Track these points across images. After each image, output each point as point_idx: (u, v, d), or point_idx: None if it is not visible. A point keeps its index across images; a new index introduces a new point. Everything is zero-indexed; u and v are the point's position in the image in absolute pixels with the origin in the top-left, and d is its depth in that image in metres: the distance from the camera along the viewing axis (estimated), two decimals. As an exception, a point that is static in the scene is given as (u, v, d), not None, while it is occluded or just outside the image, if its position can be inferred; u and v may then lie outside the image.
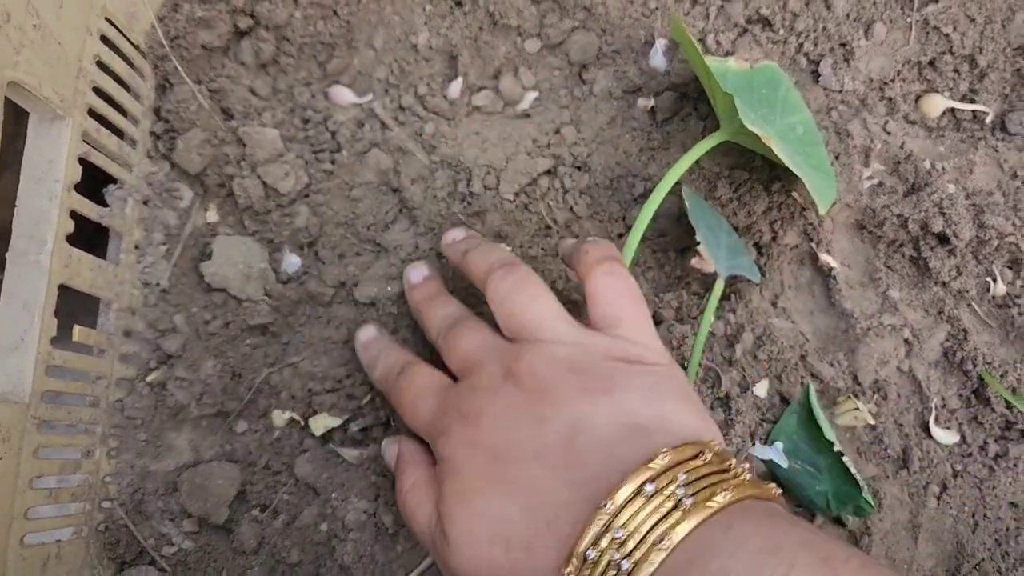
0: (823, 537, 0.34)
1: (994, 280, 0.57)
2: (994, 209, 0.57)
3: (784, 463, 0.54)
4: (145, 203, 0.57)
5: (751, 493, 0.36)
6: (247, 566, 0.56)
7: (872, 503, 0.52)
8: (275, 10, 0.57)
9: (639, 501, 0.35)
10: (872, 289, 0.59)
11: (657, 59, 0.60)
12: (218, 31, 0.57)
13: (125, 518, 0.55)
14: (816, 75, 0.59)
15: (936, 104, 0.59)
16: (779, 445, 0.54)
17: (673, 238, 0.59)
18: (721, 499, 0.35)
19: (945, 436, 0.57)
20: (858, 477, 0.52)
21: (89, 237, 0.54)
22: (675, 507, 0.35)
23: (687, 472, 0.36)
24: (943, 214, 0.56)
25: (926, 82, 0.59)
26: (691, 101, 0.60)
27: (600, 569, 0.35)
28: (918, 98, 0.60)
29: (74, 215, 0.49)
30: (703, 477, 0.36)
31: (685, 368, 0.54)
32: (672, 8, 0.59)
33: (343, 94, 0.60)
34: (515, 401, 0.41)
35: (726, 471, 0.37)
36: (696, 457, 0.37)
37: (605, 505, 0.36)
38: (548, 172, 0.59)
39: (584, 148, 0.59)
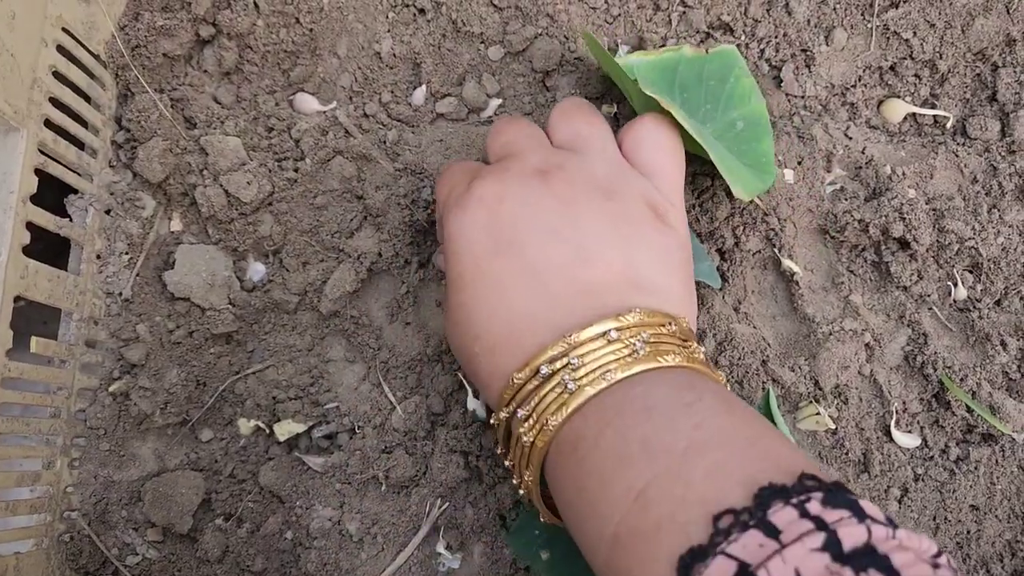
0: (733, 394, 0.40)
1: (955, 284, 0.58)
2: (954, 214, 0.57)
3: (745, 468, 0.54)
4: (107, 212, 0.57)
5: (698, 368, 0.41)
6: (212, 575, 0.56)
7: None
8: (237, 18, 0.57)
9: (601, 342, 0.40)
10: (834, 293, 0.59)
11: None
12: (180, 39, 0.57)
13: (87, 528, 0.55)
14: (778, 80, 0.59)
15: (897, 109, 0.59)
16: (740, 450, 0.55)
17: (636, 244, 0.59)
18: (670, 359, 0.40)
19: (906, 440, 0.57)
20: (816, 482, 0.52)
21: (53, 246, 0.54)
22: (630, 354, 0.39)
23: (651, 332, 0.40)
24: (904, 219, 0.56)
25: (887, 87, 0.60)
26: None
27: (551, 384, 0.40)
28: (879, 103, 0.60)
29: (31, 226, 0.49)
30: (663, 341, 0.40)
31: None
32: (634, 14, 0.59)
33: (307, 102, 0.60)
34: (539, 196, 0.43)
35: (685, 345, 0.42)
36: (664, 325, 0.41)
37: (570, 336, 0.40)
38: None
39: (547, 155, 0.60)
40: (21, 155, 0.47)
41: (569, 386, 0.39)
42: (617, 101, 0.60)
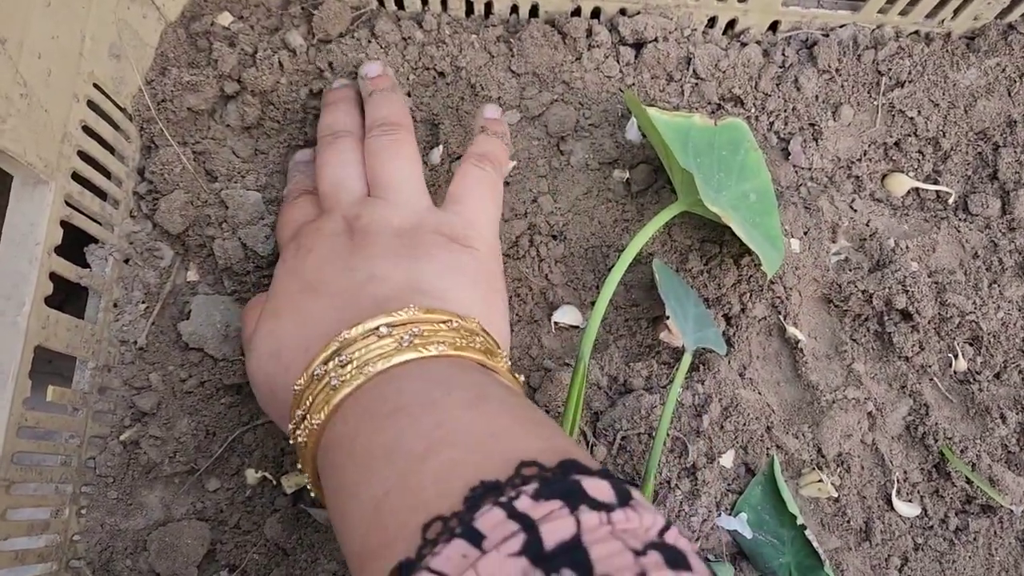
0: (497, 386, 0.39)
1: (955, 356, 0.59)
2: (955, 287, 0.59)
3: (748, 534, 0.55)
4: (126, 262, 0.57)
5: (468, 356, 0.41)
6: (213, 627, 0.56)
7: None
8: (261, 76, 0.59)
9: (372, 338, 0.40)
10: (837, 361, 0.60)
11: (632, 132, 0.62)
12: (204, 95, 0.58)
13: (92, 577, 0.55)
14: (786, 152, 0.61)
15: (901, 183, 0.61)
16: (743, 516, 0.55)
17: (645, 308, 0.60)
18: (433, 350, 0.39)
19: (907, 509, 0.58)
20: (820, 551, 0.53)
21: (68, 290, 0.55)
22: (396, 348, 0.39)
23: (427, 327, 0.41)
24: (906, 291, 0.58)
25: (892, 162, 0.62)
26: (665, 174, 0.61)
27: (320, 385, 0.40)
28: (884, 177, 0.62)
29: (53, 276, 0.49)
30: (437, 335, 0.40)
31: (653, 439, 0.55)
32: (647, 84, 0.61)
33: (325, 158, 0.61)
34: (341, 247, 0.48)
35: (468, 341, 0.41)
36: (444, 322, 0.42)
37: (340, 335, 0.41)
38: (525, 238, 0.61)
39: (560, 218, 0.61)
40: (48, 207, 0.48)
41: (333, 383, 0.39)
42: (629, 167, 0.62)
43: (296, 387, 0.42)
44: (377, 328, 0.40)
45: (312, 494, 0.44)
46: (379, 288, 0.45)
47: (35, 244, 0.48)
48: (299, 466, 0.45)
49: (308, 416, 0.40)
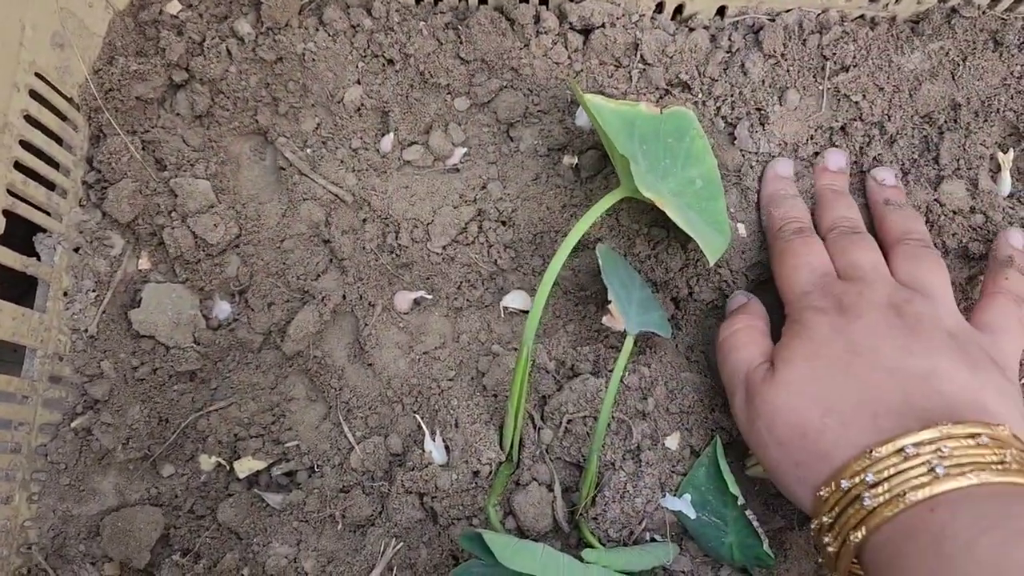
0: None
1: (900, 338, 0.60)
2: (900, 270, 0.59)
3: (692, 515, 0.56)
4: (76, 251, 0.58)
5: (1014, 480, 0.40)
6: (166, 610, 0.57)
7: (772, 555, 0.54)
8: (210, 65, 0.59)
9: (971, 441, 0.41)
10: (784, 344, 0.61)
11: (582, 119, 0.62)
12: (153, 84, 0.59)
13: (44, 563, 0.55)
14: (733, 137, 0.61)
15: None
16: (688, 497, 0.56)
17: (592, 292, 0.61)
18: (971, 479, 0.40)
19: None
20: (759, 530, 0.54)
21: (19, 283, 0.55)
22: (1000, 462, 0.40)
23: (955, 444, 0.41)
24: (851, 274, 0.58)
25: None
26: (611, 160, 0.62)
27: (915, 462, 0.41)
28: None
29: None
30: (967, 453, 0.41)
31: (596, 419, 0.56)
32: (595, 70, 0.61)
33: (277, 146, 0.62)
34: (894, 326, 0.48)
35: (998, 456, 0.41)
36: (971, 437, 0.41)
37: (944, 427, 0.42)
38: (474, 224, 0.61)
39: (509, 204, 0.61)
40: (-10, 198, 0.48)
41: (937, 470, 0.40)
42: (578, 153, 0.62)
43: (877, 452, 0.43)
44: (978, 435, 0.41)
45: (829, 547, 0.45)
46: (938, 385, 0.45)
47: (-24, 234, 0.48)
48: (824, 522, 0.45)
49: (892, 487, 0.41)
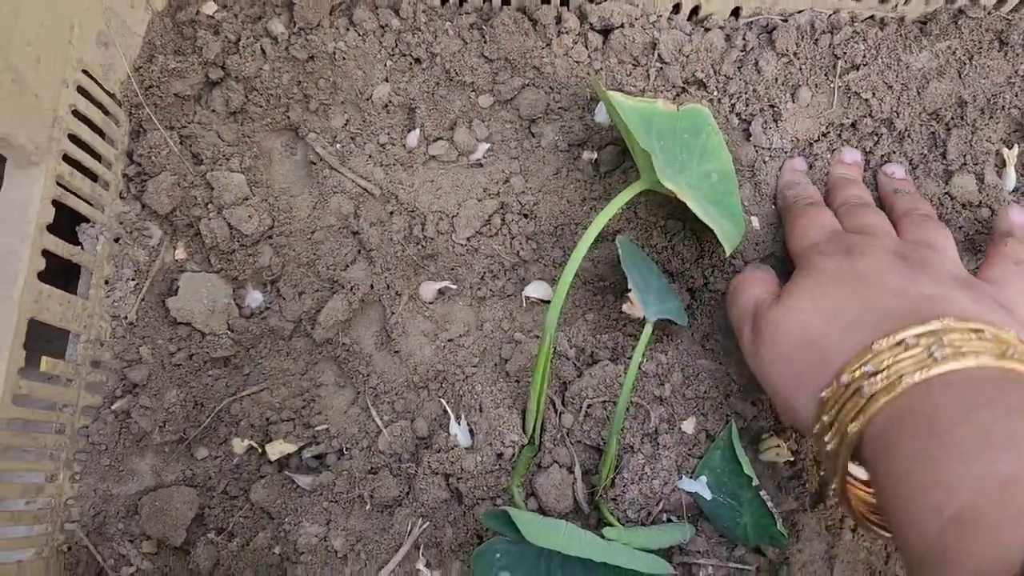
0: None
1: (909, 327, 0.62)
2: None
3: (708, 496, 0.58)
4: (116, 241, 0.60)
5: (1014, 367, 0.41)
6: (202, 586, 0.59)
7: (785, 534, 0.56)
8: (245, 63, 0.61)
9: (973, 335, 0.42)
10: (797, 334, 0.63)
11: (601, 115, 0.64)
12: (190, 81, 0.61)
13: (86, 540, 0.58)
14: (747, 133, 0.64)
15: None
16: (704, 479, 0.58)
17: (611, 283, 0.63)
18: (969, 362, 0.41)
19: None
20: (773, 510, 0.56)
21: (63, 271, 0.58)
22: (927, 357, 0.41)
23: (957, 336, 0.42)
24: (861, 265, 0.60)
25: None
26: (631, 154, 0.64)
27: (914, 351, 0.42)
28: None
29: (46, 253, 0.52)
30: (968, 344, 0.41)
31: (615, 404, 0.58)
32: (614, 69, 0.64)
33: (307, 142, 0.64)
34: (897, 264, 0.50)
35: (999, 349, 0.41)
36: (975, 332, 0.42)
37: (946, 320, 0.43)
38: (497, 217, 0.63)
39: (531, 197, 0.64)
40: (40, 188, 0.51)
41: (935, 355, 0.41)
42: (597, 148, 0.64)
43: (877, 345, 0.44)
44: (904, 340, 0.43)
45: (828, 445, 0.46)
46: (951, 306, 0.45)
47: (27, 223, 0.50)
48: (825, 423, 0.46)
49: (890, 375, 0.42)
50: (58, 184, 0.53)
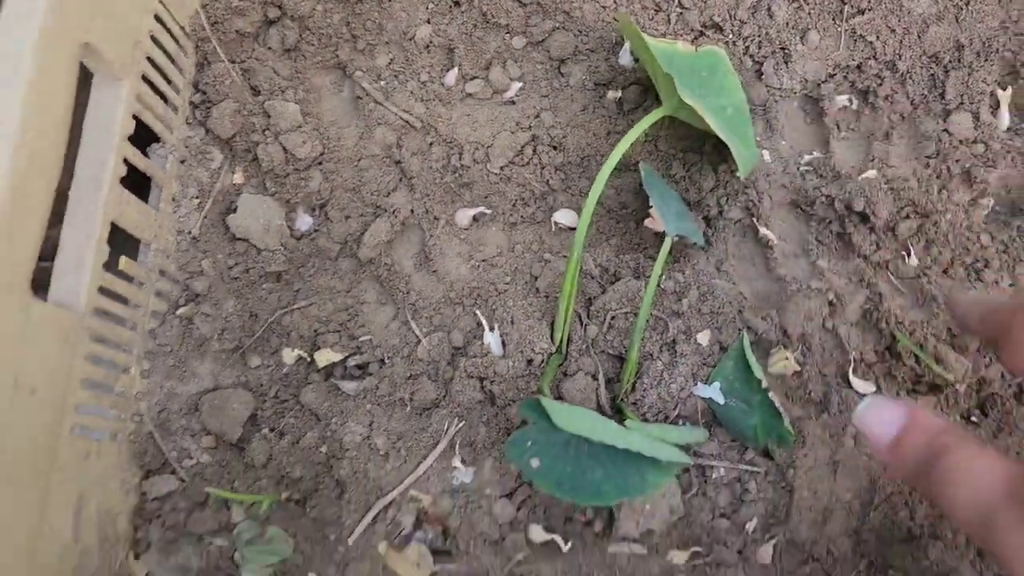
0: None
1: (908, 254, 0.67)
2: (909, 193, 0.67)
3: (721, 400, 0.63)
4: (182, 162, 0.66)
5: None
6: (256, 478, 0.64)
7: (792, 431, 0.61)
8: (300, 2, 0.67)
9: None
10: (804, 259, 0.68)
11: (626, 58, 0.70)
12: (251, 19, 0.67)
13: (154, 431, 0.63)
14: (760, 74, 0.69)
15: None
16: (717, 385, 0.63)
17: (633, 210, 0.68)
18: None
19: (863, 386, 0.66)
20: (780, 409, 0.61)
21: (135, 188, 0.64)
22: None
23: None
24: (865, 196, 0.65)
25: (853, 84, 0.69)
26: (653, 93, 0.70)
27: None
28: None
29: (126, 162, 0.58)
30: None
31: (636, 315, 0.63)
32: (638, 13, 0.69)
33: (354, 79, 0.70)
34: None
35: None
36: None
37: None
38: (529, 148, 0.69)
39: (559, 131, 0.69)
40: (123, 101, 0.57)
41: None
42: (622, 88, 0.70)
43: None
44: None
45: None
46: None
47: (113, 133, 0.56)
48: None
49: None
50: (138, 100, 0.59)
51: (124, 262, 0.59)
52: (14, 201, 0.45)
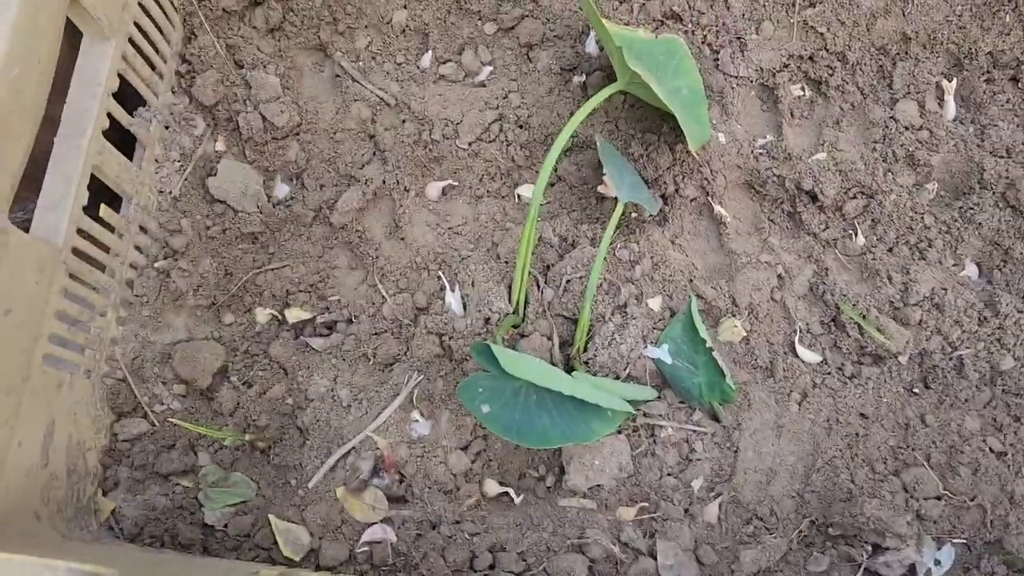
0: None
1: (855, 233, 0.70)
2: (856, 175, 0.70)
3: (669, 360, 0.66)
4: (166, 128, 0.70)
5: None
6: (223, 424, 0.67)
7: (734, 387, 0.63)
8: (284, -15, 0.72)
9: None
10: (756, 237, 0.71)
11: (591, 45, 0.74)
12: (237, -2, 0.72)
13: (128, 375, 0.66)
14: (717, 62, 0.73)
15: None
16: (665, 347, 0.66)
17: (593, 185, 0.72)
18: None
19: (809, 356, 0.68)
20: (723, 367, 0.64)
21: (121, 148, 0.68)
22: None
23: None
24: (814, 176, 0.69)
25: (807, 74, 0.73)
26: (612, 63, 0.73)
27: None
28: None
29: (110, 118, 0.62)
30: None
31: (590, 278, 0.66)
32: (602, 3, 0.73)
33: (335, 59, 0.74)
34: None
35: None
36: None
37: None
38: (496, 125, 0.73)
39: (526, 111, 0.73)
40: (110, 59, 0.61)
41: None
42: (586, 73, 0.74)
43: None
44: None
45: None
46: None
47: (97, 85, 0.60)
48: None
49: None
50: (124, 60, 0.63)
51: (104, 210, 0.62)
52: (-2, 127, 0.49)
